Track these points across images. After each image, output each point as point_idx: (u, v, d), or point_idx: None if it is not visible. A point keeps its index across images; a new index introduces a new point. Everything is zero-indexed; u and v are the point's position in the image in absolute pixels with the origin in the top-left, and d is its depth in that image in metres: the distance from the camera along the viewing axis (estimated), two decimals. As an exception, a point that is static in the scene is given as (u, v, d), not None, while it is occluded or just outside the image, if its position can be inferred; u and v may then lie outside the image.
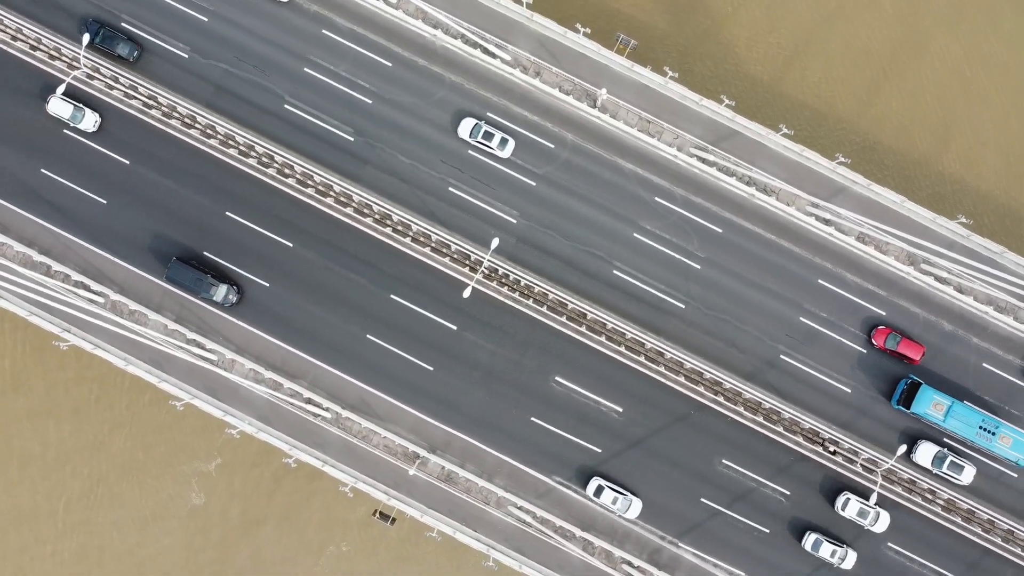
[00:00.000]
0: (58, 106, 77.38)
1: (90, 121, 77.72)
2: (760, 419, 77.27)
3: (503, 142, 77.68)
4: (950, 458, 75.80)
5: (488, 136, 77.55)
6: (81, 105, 77.78)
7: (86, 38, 75.41)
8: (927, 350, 77.20)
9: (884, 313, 77.96)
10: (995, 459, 77.36)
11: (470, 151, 78.53)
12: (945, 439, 77.13)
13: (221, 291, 76.23)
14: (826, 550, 75.89)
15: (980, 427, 75.42)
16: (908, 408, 76.09)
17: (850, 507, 76.05)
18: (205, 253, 78.10)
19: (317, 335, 78.07)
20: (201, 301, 77.64)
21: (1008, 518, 77.10)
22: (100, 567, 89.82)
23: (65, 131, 78.79)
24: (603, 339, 77.40)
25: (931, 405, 75.32)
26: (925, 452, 76.22)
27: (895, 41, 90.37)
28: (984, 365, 78.09)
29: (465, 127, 77.86)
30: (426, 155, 78.67)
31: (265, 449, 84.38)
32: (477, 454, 77.90)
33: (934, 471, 75.88)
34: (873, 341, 77.54)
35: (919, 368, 77.60)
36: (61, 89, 77.06)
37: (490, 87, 78.88)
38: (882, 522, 76.17)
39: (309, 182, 77.73)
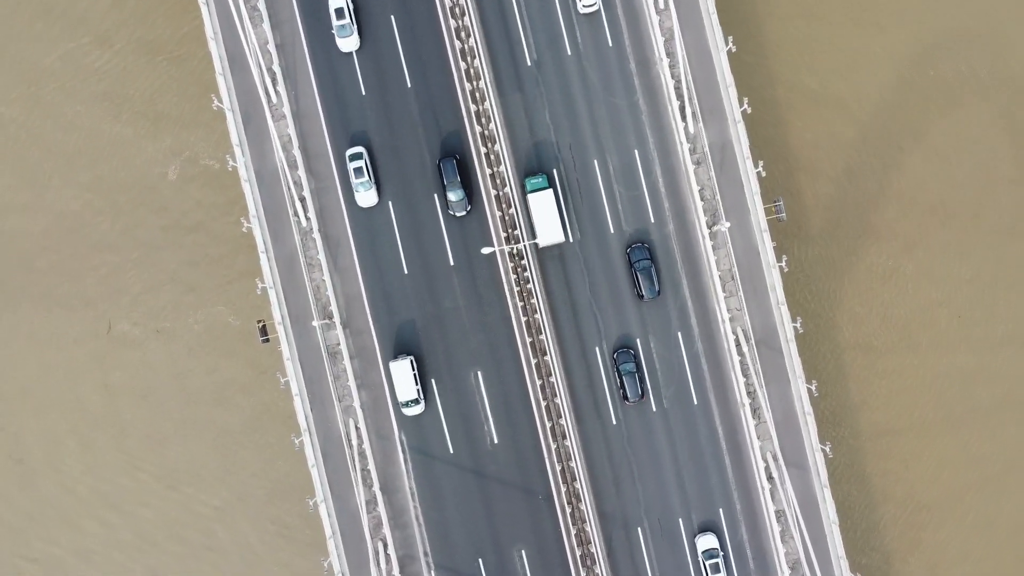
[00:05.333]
0: None
1: None
2: (579, 552, 77.84)
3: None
4: None
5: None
6: None
7: None
8: None
9: (737, 577, 78.80)
10: None
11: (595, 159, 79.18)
12: None
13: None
14: None
15: None
16: None
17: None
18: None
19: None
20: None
21: None
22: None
23: None
24: (539, 384, 77.88)
25: None
26: None
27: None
28: None
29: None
30: (564, 127, 78.98)
31: (239, 200, 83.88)
32: (369, 360, 78.73)
33: None
34: None
35: None
36: None
37: (655, 133, 78.90)
38: None
39: (468, 57, 78.02)
